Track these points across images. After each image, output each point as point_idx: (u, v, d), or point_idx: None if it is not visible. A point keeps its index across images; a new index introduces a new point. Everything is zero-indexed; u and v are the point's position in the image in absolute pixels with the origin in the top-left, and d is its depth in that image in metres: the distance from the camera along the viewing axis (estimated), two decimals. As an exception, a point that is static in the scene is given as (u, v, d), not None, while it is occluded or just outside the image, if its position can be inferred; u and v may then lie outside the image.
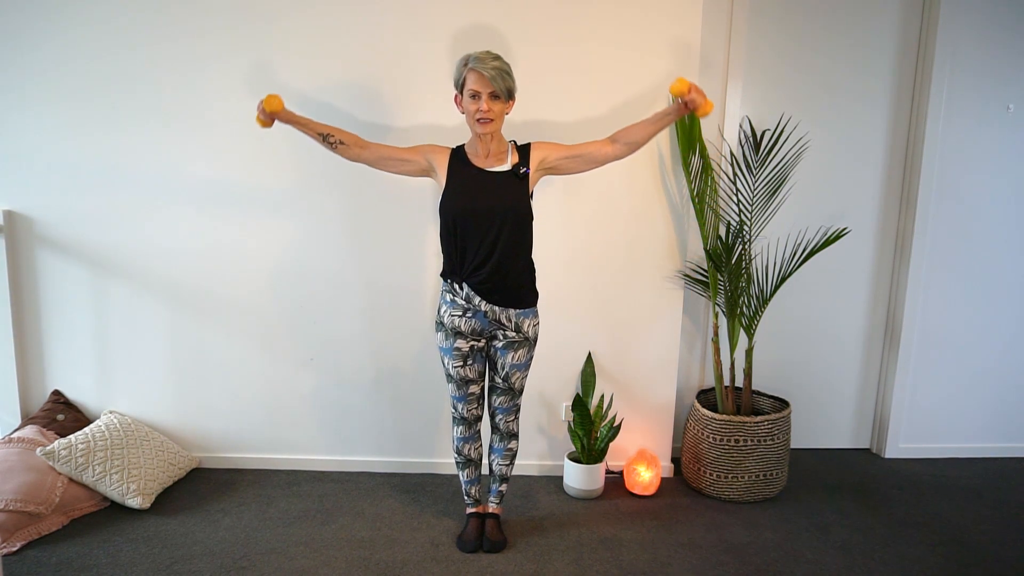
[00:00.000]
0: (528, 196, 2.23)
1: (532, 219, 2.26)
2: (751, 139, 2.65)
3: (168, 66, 2.68)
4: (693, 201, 2.73)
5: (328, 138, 2.24)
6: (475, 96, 2.11)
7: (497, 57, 2.11)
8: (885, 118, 3.11)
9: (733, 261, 2.72)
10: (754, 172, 2.70)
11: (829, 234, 2.78)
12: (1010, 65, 3.02)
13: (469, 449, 2.39)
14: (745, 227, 2.72)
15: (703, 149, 2.68)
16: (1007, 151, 3.10)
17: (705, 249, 2.75)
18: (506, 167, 2.22)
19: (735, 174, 2.76)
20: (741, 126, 3.00)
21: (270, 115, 2.18)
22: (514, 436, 2.38)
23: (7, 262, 2.77)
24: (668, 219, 2.82)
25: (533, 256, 2.31)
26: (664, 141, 2.76)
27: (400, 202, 2.78)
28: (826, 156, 3.11)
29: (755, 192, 2.73)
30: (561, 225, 2.80)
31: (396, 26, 2.66)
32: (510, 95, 2.15)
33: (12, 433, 2.67)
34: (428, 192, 2.76)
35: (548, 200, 2.77)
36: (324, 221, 2.79)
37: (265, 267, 2.82)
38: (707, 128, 2.97)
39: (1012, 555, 2.40)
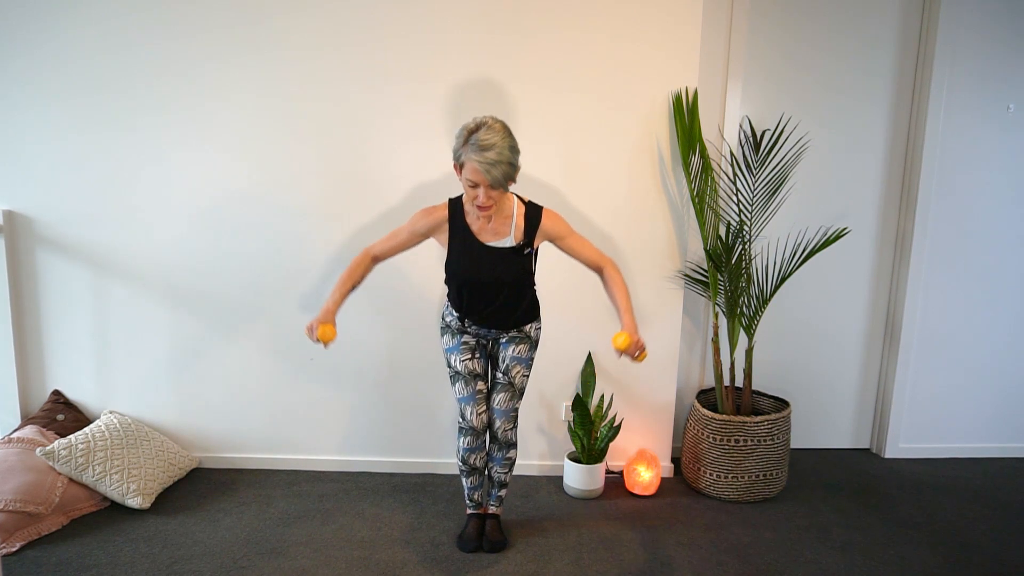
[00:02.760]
0: (532, 264, 2.20)
1: (534, 276, 2.26)
2: (751, 139, 2.65)
3: (168, 66, 2.68)
4: (693, 201, 2.73)
5: (355, 288, 2.22)
6: (474, 186, 1.99)
7: (498, 143, 1.93)
8: (885, 118, 3.11)
9: (733, 261, 2.72)
10: (754, 172, 2.70)
11: (829, 234, 2.78)
12: (1010, 65, 3.02)
13: (475, 459, 2.33)
14: (745, 227, 2.72)
15: (703, 149, 2.68)
16: (1007, 151, 3.10)
17: (705, 249, 2.75)
18: (509, 241, 2.15)
19: (735, 174, 2.75)
20: (741, 126, 3.00)
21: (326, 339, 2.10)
22: (512, 446, 2.37)
23: (7, 262, 2.77)
24: (668, 219, 2.82)
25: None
26: (664, 141, 2.76)
27: (402, 205, 2.78)
28: (826, 156, 3.10)
29: (755, 192, 2.73)
30: (561, 225, 2.80)
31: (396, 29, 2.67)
32: (513, 179, 2.01)
33: (12, 433, 2.66)
34: (430, 199, 2.77)
35: (548, 201, 2.77)
36: (325, 222, 2.79)
37: (265, 267, 2.82)
38: (707, 128, 2.97)
39: (1012, 555, 2.40)
